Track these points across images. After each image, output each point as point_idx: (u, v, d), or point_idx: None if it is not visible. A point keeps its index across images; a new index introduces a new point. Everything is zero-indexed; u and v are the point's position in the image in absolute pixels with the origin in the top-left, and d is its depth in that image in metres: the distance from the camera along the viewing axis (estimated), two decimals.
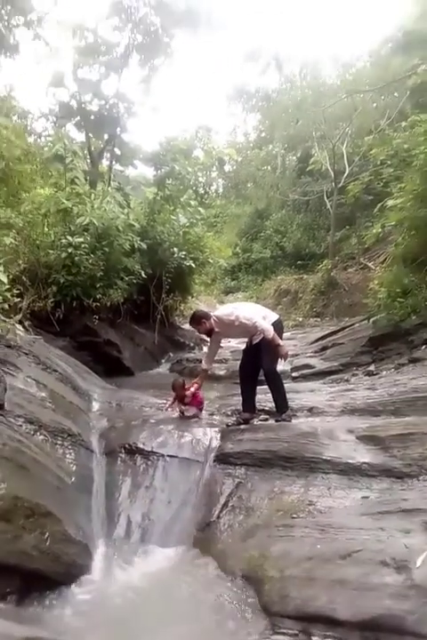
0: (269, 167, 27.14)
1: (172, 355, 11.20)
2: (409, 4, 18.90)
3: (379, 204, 11.52)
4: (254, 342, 4.83)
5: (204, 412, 5.32)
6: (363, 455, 3.79)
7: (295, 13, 38.41)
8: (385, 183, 11.64)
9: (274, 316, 5.02)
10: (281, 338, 4.88)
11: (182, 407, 5.13)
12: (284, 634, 2.48)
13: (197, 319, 5.11)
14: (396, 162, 11.50)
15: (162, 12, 10.73)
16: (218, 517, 3.66)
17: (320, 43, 35.85)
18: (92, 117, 11.17)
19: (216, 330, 5.04)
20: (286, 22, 35.36)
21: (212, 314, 5.12)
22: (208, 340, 5.55)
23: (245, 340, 5.18)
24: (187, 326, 13.02)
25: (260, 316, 4.86)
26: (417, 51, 14.06)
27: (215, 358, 5.67)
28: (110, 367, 8.48)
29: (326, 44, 39.17)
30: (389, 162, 12.18)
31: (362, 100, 17.39)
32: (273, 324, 4.81)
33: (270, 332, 4.67)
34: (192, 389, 5.11)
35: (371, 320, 8.14)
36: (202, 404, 5.28)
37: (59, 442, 4.10)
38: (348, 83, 17.77)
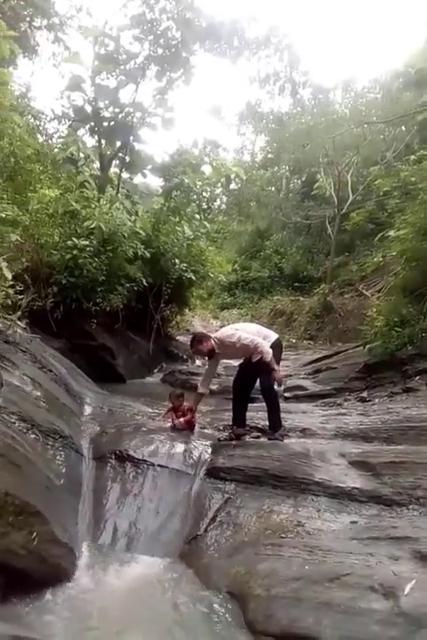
0: (273, 188, 27.34)
1: (164, 365, 11.19)
2: (421, 41, 19.39)
3: (380, 234, 11.66)
4: (253, 360, 4.80)
5: (195, 425, 5.29)
6: (354, 480, 3.79)
7: (313, 39, 39.39)
8: (389, 214, 11.76)
9: (274, 336, 5.03)
10: (280, 357, 4.90)
11: (175, 419, 5.10)
12: None
13: (198, 341, 5.00)
14: (400, 194, 11.63)
15: (184, 28, 10.87)
16: (205, 531, 3.64)
17: (334, 71, 36.69)
18: (106, 124, 11.25)
19: (217, 351, 4.94)
20: (304, 47, 36.16)
21: (212, 336, 5.03)
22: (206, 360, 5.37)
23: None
24: (181, 338, 13.05)
25: (261, 336, 4.86)
26: None
27: None
28: (103, 372, 8.46)
29: (339, 72, 40.15)
30: (394, 193, 12.30)
31: (371, 130, 17.63)
32: (273, 344, 4.83)
33: (269, 356, 4.66)
34: (187, 417, 4.99)
35: (367, 347, 8.16)
36: (193, 428, 5.11)
37: (50, 442, 4.09)
38: (358, 112, 18.01)
